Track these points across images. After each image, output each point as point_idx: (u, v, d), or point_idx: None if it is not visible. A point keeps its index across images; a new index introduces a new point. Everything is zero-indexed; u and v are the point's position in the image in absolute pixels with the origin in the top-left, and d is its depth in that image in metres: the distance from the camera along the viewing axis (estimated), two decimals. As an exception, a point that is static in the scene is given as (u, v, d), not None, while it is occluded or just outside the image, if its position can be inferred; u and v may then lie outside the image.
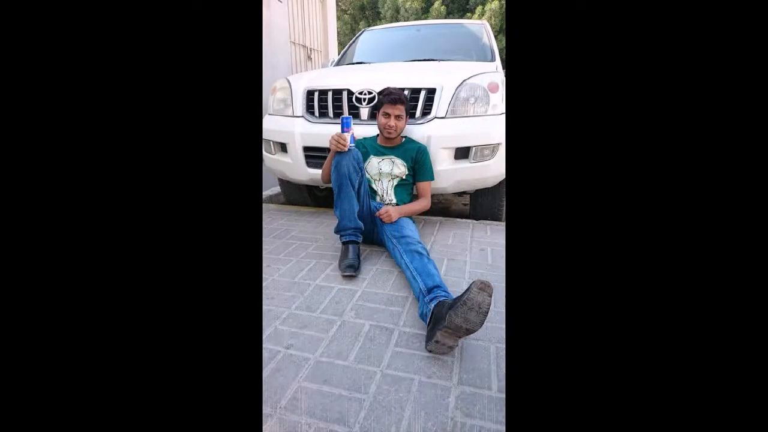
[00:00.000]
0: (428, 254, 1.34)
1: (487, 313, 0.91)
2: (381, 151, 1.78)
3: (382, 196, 1.76)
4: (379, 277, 1.43)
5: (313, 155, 1.98)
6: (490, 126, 1.83)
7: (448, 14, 9.24)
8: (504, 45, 6.20)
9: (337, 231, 1.55)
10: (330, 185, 1.63)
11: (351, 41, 3.11)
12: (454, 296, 1.05)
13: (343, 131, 1.51)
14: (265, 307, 1.23)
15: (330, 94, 1.99)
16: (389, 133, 1.70)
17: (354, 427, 0.78)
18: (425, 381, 0.90)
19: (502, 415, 0.81)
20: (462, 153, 1.84)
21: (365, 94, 1.92)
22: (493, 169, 1.87)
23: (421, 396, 0.86)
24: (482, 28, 2.80)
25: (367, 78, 2.07)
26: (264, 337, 1.08)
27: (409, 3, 9.13)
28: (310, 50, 5.07)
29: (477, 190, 2.13)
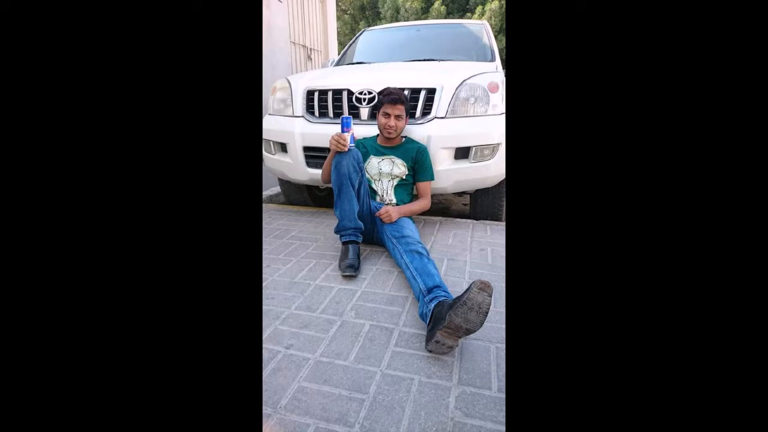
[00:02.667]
0: (428, 254, 1.34)
1: (487, 313, 0.91)
2: (381, 151, 1.78)
3: (382, 196, 1.76)
4: (379, 277, 1.43)
5: (313, 155, 1.98)
6: (490, 126, 1.84)
7: (448, 14, 9.24)
8: (504, 45, 6.20)
9: (337, 231, 1.55)
10: (330, 185, 1.63)
11: (351, 41, 3.10)
12: (454, 296, 1.05)
13: (343, 131, 1.51)
14: (265, 307, 1.23)
15: (330, 94, 1.99)
16: (389, 133, 1.70)
17: (354, 427, 0.78)
18: (425, 381, 0.90)
19: (502, 415, 0.81)
20: (462, 153, 1.85)
21: (365, 94, 1.92)
22: (493, 169, 1.87)
23: (421, 396, 0.86)
24: (482, 28, 2.79)
25: (367, 78, 2.06)
26: (264, 337, 1.08)
27: (409, 3, 9.13)
28: (310, 50, 5.07)
29: (477, 190, 2.13)
